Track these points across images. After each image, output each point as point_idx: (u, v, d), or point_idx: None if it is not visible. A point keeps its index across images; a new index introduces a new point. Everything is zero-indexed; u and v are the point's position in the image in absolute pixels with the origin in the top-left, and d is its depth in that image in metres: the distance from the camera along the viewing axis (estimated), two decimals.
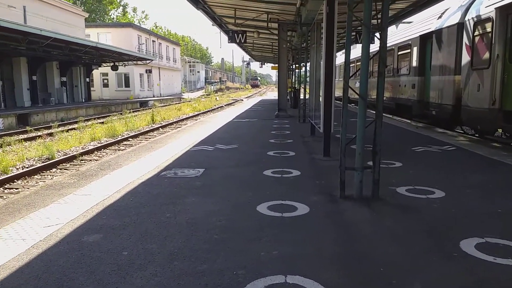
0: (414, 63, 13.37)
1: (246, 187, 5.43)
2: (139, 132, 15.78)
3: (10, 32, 18.58)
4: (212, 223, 4.01)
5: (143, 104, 35.36)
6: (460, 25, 10.26)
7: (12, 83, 25.00)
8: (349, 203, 4.59)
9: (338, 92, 21.60)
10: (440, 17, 11.92)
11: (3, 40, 19.50)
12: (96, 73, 38.77)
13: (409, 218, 4.15)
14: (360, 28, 13.13)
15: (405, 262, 3.12)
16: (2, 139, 12.97)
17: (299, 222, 4.03)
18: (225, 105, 32.16)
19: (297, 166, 6.61)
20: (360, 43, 14.06)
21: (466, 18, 9.90)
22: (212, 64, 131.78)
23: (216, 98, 41.55)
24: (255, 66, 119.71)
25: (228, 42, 16.63)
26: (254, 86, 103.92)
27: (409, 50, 13.96)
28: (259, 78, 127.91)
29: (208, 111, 27.02)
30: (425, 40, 12.72)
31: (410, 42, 13.88)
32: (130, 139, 14.11)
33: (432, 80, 11.93)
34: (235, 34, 15.60)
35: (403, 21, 17.54)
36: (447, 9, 11.81)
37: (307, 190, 5.18)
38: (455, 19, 10.64)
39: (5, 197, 7.04)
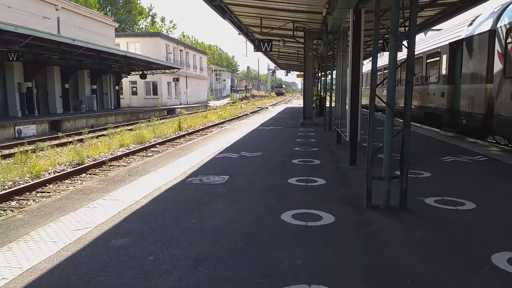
0: (444, 71, 13.07)
1: (271, 195, 5.43)
2: (166, 139, 16.05)
3: (45, 42, 19.38)
4: (237, 230, 4.03)
5: (170, 112, 35.98)
6: (492, 32, 9.98)
7: (45, 91, 26.01)
8: (376, 213, 4.51)
9: (364, 100, 21.34)
10: (470, 24, 11.64)
11: (38, 50, 20.34)
12: (125, 81, 39.80)
13: (438, 230, 4.04)
14: (387, 36, 12.98)
15: (433, 275, 3.03)
16: (36, 145, 13.46)
17: (324, 231, 3.99)
18: (250, 113, 32.32)
19: (322, 175, 6.55)
20: (387, 51, 13.89)
21: (498, 25, 9.63)
22: (238, 72, 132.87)
23: (241, 106, 41.81)
24: (280, 74, 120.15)
25: (254, 51, 16.77)
26: (279, 94, 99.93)
27: (438, 58, 13.67)
28: (284, 86, 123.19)
29: (234, 118, 27.22)
30: (455, 48, 12.43)
31: (439, 50, 13.60)
32: (158, 146, 14.37)
33: (462, 88, 11.62)
34: (261, 43, 15.71)
35: (432, 28, 17.25)
36: (478, 16, 11.52)
37: (333, 199, 5.12)
38: (486, 26, 10.36)
39: (37, 200, 7.29)
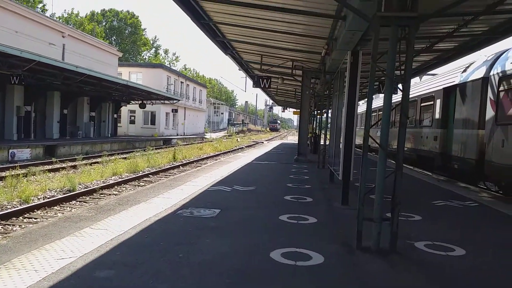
0: (437, 115, 13.30)
1: (261, 231, 5.37)
2: (160, 169, 16.00)
3: (49, 68, 19.67)
4: (225, 266, 3.95)
5: (167, 142, 36.03)
6: (485, 80, 10.25)
7: (44, 115, 26.08)
8: (366, 255, 4.46)
9: (358, 140, 21.54)
10: (464, 70, 11.97)
11: (41, 75, 20.59)
12: (124, 109, 40.10)
13: (427, 275, 3.99)
14: (383, 78, 13.29)
15: None
16: (28, 169, 13.35)
17: (313, 272, 3.93)
18: (245, 146, 32.43)
19: (314, 213, 6.51)
20: (383, 93, 14.18)
21: (491, 73, 9.91)
22: (236, 106, 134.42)
23: (237, 140, 42.00)
24: (277, 110, 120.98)
25: (253, 87, 17.08)
26: (273, 129, 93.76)
27: (432, 102, 13.94)
28: (279, 122, 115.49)
29: (229, 151, 27.26)
30: (449, 93, 12.71)
31: (433, 94, 13.89)
32: (151, 176, 14.29)
33: (455, 133, 11.79)
34: (260, 79, 16.00)
35: (427, 73, 17.71)
36: (472, 63, 11.87)
37: (323, 239, 5.07)
38: (480, 74, 10.66)
39: (23, 226, 7.15)
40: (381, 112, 4.62)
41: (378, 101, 21.22)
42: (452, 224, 6.34)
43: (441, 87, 13.29)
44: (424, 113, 14.91)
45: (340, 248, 4.70)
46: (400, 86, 4.68)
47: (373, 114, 22.03)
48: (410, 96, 4.61)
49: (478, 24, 9.30)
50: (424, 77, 20.21)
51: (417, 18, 4.43)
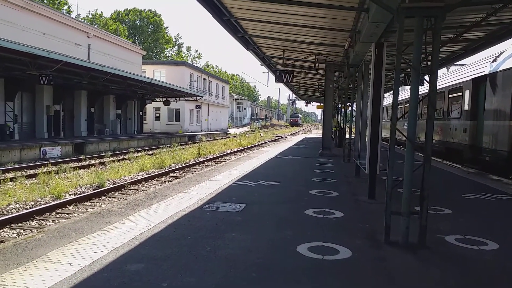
0: (466, 107, 12.93)
1: (287, 225, 5.37)
2: (185, 164, 16.21)
3: (75, 68, 20.22)
4: (251, 260, 3.99)
5: (191, 138, 36.46)
6: None
7: (72, 114, 26.88)
8: (394, 250, 4.40)
9: (384, 133, 21.18)
10: (494, 60, 11.57)
11: (68, 75, 21.19)
12: (149, 107, 40.80)
13: (458, 269, 3.90)
14: (409, 70, 13.00)
15: None
16: (59, 166, 13.79)
17: (340, 266, 3.91)
18: (269, 141, 32.42)
19: (340, 207, 6.46)
20: (409, 85, 13.87)
21: None
22: (259, 101, 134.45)
23: (260, 135, 42.03)
24: (300, 104, 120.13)
25: (275, 81, 17.02)
26: (294, 124, 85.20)
27: (460, 93, 13.56)
28: (300, 116, 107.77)
29: (252, 146, 27.33)
30: (478, 83, 12.33)
31: (462, 85, 13.50)
32: (177, 171, 14.51)
33: (485, 124, 11.43)
34: (282, 74, 15.93)
35: (454, 63, 17.20)
36: (502, 52, 11.46)
37: (350, 233, 5.03)
38: (511, 63, 10.28)
39: (57, 221, 7.41)
40: (407, 105, 4.53)
41: (404, 93, 20.79)
42: (484, 217, 6.17)
43: (470, 78, 12.90)
44: (452, 105, 14.51)
45: (368, 242, 4.66)
46: (426, 77, 4.55)
47: (399, 107, 21.64)
48: (437, 87, 4.49)
49: (508, 12, 8.94)
50: (452, 68, 19.66)
51: (444, 8, 4.28)
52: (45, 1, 47.69)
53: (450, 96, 14.66)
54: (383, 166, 6.56)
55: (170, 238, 4.67)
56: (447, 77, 16.02)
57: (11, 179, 11.00)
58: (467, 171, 11.97)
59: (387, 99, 25.10)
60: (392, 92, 19.67)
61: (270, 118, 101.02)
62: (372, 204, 6.86)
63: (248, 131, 54.62)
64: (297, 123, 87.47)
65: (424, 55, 4.74)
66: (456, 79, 14.35)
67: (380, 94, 6.78)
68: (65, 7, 52.21)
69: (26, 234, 6.57)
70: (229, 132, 51.14)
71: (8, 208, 8.25)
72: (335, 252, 4.26)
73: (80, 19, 44.07)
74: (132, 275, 3.54)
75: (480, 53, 13.31)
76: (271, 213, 6.08)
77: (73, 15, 50.69)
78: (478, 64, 13.01)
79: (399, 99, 4.89)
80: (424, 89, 13.03)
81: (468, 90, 12.89)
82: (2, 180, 10.73)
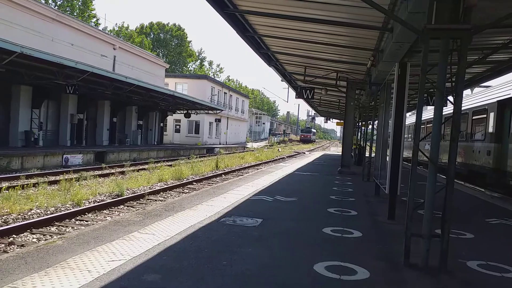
0: (490, 129, 12.66)
1: (304, 243, 5.32)
2: (203, 177, 16.30)
3: (100, 78, 20.75)
4: (268, 277, 3.96)
5: (210, 151, 36.70)
6: None
7: (94, 123, 27.50)
8: (414, 273, 4.30)
9: (405, 153, 20.87)
10: None
11: (93, 85, 21.75)
12: (170, 118, 41.36)
13: None
14: (432, 90, 12.84)
15: None
16: (80, 174, 14.05)
17: (358, 287, 3.84)
18: (286, 156, 32.34)
19: (358, 227, 6.37)
20: (432, 105, 13.68)
21: None
22: (278, 116, 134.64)
23: (278, 149, 41.99)
24: (320, 120, 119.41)
25: (296, 97, 17.05)
26: (306, 141, 74.13)
27: (485, 115, 13.30)
28: (314, 131, 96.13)
29: (270, 161, 27.31)
30: (504, 106, 12.08)
31: (486, 107, 13.26)
32: (194, 183, 14.59)
33: (510, 147, 11.16)
34: (303, 90, 15.97)
35: (479, 85, 16.92)
36: None
37: (369, 254, 4.95)
38: None
39: (76, 228, 7.52)
40: (429, 125, 4.47)
41: (426, 113, 20.51)
42: (508, 244, 5.98)
43: (495, 100, 12.66)
44: (476, 127, 14.24)
45: (387, 264, 4.57)
46: (450, 98, 4.49)
47: (421, 127, 21.34)
48: (461, 109, 4.42)
49: None
50: (476, 89, 19.33)
51: (470, 30, 4.23)
52: (75, 14, 49.40)
53: (473, 117, 14.40)
54: (404, 187, 6.46)
55: (187, 250, 4.69)
56: (470, 98, 15.76)
57: (34, 185, 11.27)
58: (491, 195, 11.65)
59: (408, 118, 24.80)
60: (413, 111, 19.39)
61: (289, 133, 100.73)
62: (392, 225, 6.73)
63: (266, 145, 54.68)
64: (309, 140, 76.71)
65: (449, 76, 4.69)
66: (481, 101, 14.11)
67: (403, 114, 6.72)
68: (94, 19, 53.93)
69: (46, 239, 6.69)
70: (247, 146, 51.30)
71: (29, 213, 8.43)
72: (353, 273, 4.19)
73: (107, 32, 45.37)
74: (149, 286, 3.56)
75: (506, 76, 13.08)
76: (288, 230, 6.04)
77: (100, 27, 52.28)
78: (503, 86, 12.78)
79: (421, 119, 4.84)
80: (447, 109, 12.86)
81: (493, 112, 12.64)
82: (25, 185, 11.00)
